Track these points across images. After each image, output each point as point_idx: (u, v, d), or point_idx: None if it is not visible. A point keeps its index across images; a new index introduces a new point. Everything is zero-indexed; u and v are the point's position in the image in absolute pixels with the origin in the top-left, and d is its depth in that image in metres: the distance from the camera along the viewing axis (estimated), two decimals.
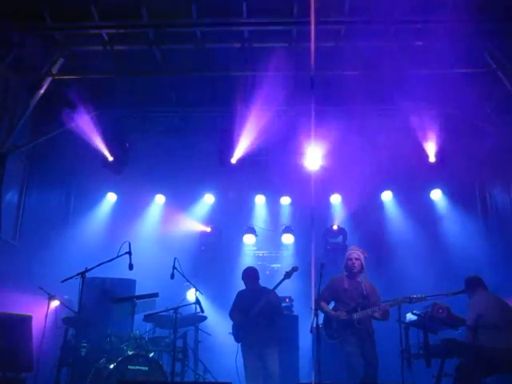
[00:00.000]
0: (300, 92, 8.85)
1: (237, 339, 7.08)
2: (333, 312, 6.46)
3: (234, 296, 7.36)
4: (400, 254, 10.02)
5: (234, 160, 9.43)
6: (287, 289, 7.76)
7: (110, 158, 9.37)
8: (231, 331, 7.15)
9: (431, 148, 8.86)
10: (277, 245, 10.83)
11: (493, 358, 5.94)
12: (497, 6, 7.07)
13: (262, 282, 7.61)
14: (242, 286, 7.47)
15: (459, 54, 7.57)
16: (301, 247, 10.58)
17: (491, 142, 9.10)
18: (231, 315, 7.21)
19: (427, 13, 7.24)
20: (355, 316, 6.30)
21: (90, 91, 9.11)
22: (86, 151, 9.33)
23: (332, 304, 6.66)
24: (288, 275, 6.96)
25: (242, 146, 9.27)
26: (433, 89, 8.16)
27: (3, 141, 8.30)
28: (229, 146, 9.46)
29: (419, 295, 6.17)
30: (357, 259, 6.58)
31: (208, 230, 10.65)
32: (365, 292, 6.44)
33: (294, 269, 6.92)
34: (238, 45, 7.94)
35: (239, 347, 7.05)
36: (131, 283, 8.60)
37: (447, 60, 7.72)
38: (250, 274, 7.34)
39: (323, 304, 6.49)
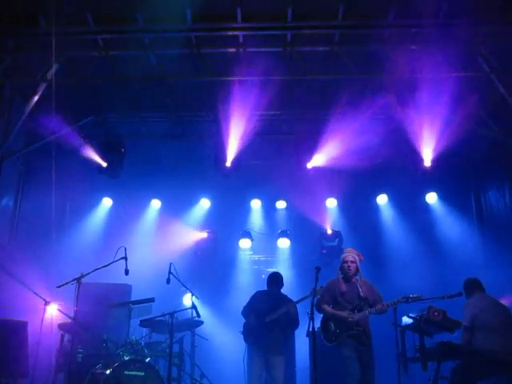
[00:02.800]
0: (295, 96, 8.90)
1: (246, 340, 7.09)
2: (338, 312, 6.41)
3: (230, 300, 7.37)
4: (395, 258, 10.05)
5: (228, 164, 9.43)
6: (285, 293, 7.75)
7: (104, 164, 9.36)
8: (242, 330, 7.15)
9: (426, 151, 8.89)
10: (273, 249, 10.84)
11: (489, 361, 5.96)
12: (490, 9, 7.10)
13: (258, 287, 7.63)
14: (237, 290, 7.48)
15: (453, 58, 7.61)
16: (297, 251, 10.60)
17: (486, 145, 9.15)
18: (245, 313, 7.22)
19: (421, 17, 7.26)
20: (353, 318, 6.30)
21: (85, 97, 9.11)
22: (81, 156, 9.33)
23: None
24: (314, 294, 6.86)
25: (238, 150, 9.28)
26: (427, 92, 8.20)
27: None
28: (224, 150, 9.47)
29: (416, 295, 6.18)
30: (352, 262, 6.56)
31: (204, 234, 10.65)
32: (361, 293, 6.43)
33: (322, 289, 6.79)
34: (232, 49, 7.96)
35: (246, 348, 7.07)
36: (127, 288, 8.59)
37: (441, 64, 7.75)
38: (275, 279, 7.39)
39: (325, 306, 6.48)
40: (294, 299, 7.21)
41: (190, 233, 10.54)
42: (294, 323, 7.17)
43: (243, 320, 7.28)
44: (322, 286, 6.58)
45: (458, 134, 8.42)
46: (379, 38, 7.70)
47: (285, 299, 7.24)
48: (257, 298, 7.35)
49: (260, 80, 8.17)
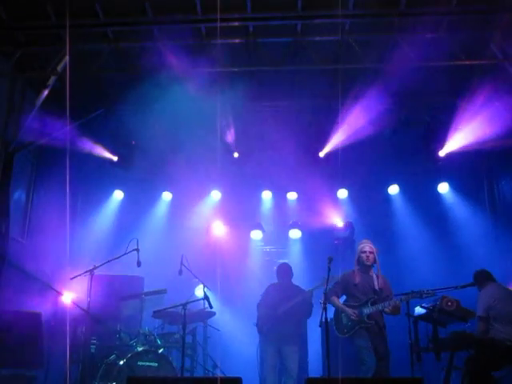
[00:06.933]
0: (306, 86, 8.84)
1: (260, 331, 7.16)
2: (344, 307, 6.42)
3: (242, 291, 7.41)
4: (408, 248, 9.98)
5: (239, 155, 9.43)
6: (297, 284, 7.75)
7: (115, 158, 9.42)
8: (256, 322, 7.21)
9: (437, 141, 8.84)
10: (284, 240, 10.82)
11: (503, 351, 5.92)
12: None
13: (270, 278, 7.64)
14: (249, 281, 7.51)
15: (466, 45, 7.53)
16: (308, 242, 10.57)
17: (498, 133, 9.03)
18: (259, 307, 7.28)
19: (433, 4, 7.18)
20: (365, 311, 6.27)
21: (95, 90, 9.12)
22: (91, 149, 9.36)
23: (343, 298, 6.65)
24: (325, 283, 6.89)
25: (248, 141, 9.26)
26: (439, 81, 8.12)
27: (10, 140, 8.32)
28: (235, 142, 9.48)
29: (430, 290, 6.13)
30: (371, 252, 6.52)
31: (216, 226, 10.64)
32: (377, 286, 6.40)
33: (334, 279, 6.79)
34: (242, 40, 7.92)
35: (259, 340, 7.12)
36: (139, 280, 8.63)
37: (453, 51, 7.68)
38: (284, 270, 7.43)
39: (334, 298, 6.46)
40: (306, 289, 7.23)
41: (201, 224, 10.53)
42: (308, 311, 7.21)
43: (256, 312, 7.33)
44: (331, 275, 6.62)
45: (469, 121, 8.35)
46: (391, 27, 7.63)
47: (297, 289, 7.28)
48: (269, 291, 7.40)
49: (270, 70, 8.13)
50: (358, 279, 6.48)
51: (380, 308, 6.26)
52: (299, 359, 7.31)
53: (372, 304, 6.30)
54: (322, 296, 5.97)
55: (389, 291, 6.50)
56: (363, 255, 6.52)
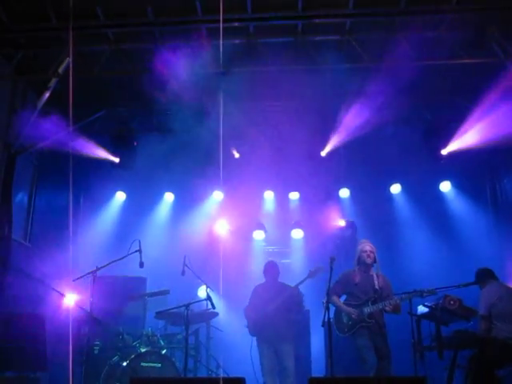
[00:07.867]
0: (306, 86, 8.83)
1: (252, 333, 7.13)
2: (345, 307, 6.44)
3: (245, 292, 7.40)
4: (410, 247, 9.99)
5: (239, 156, 9.44)
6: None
7: (117, 159, 9.44)
8: (246, 324, 7.19)
9: (439, 139, 8.83)
10: (286, 240, 10.82)
11: (506, 349, 5.91)
12: None
13: None
14: (251, 281, 7.50)
15: (466, 44, 7.52)
16: (310, 242, 10.57)
17: (500, 131, 9.03)
18: (246, 310, 7.25)
19: (433, 3, 7.17)
20: (366, 310, 6.28)
21: (97, 91, 9.13)
22: (93, 151, 9.37)
23: (343, 297, 6.66)
24: (311, 274, 6.97)
25: (250, 141, 9.25)
26: (441, 79, 8.11)
27: (12, 142, 8.34)
28: (236, 142, 9.48)
29: (430, 289, 6.15)
30: (371, 251, 6.56)
31: (218, 226, 10.65)
32: (377, 286, 6.42)
33: (320, 268, 6.88)
34: (243, 40, 7.92)
35: (254, 341, 7.11)
36: (142, 281, 8.65)
37: (454, 50, 7.66)
38: (269, 268, 7.42)
39: (335, 298, 6.47)
40: (306, 289, 7.23)
41: (203, 225, 10.54)
42: (297, 307, 7.18)
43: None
44: (321, 267, 6.69)
45: (472, 120, 8.35)
46: (391, 26, 7.62)
47: (282, 286, 7.26)
48: (256, 292, 7.38)
49: (271, 70, 8.13)
50: (358, 278, 6.50)
51: (380, 307, 6.29)
52: (302, 359, 7.32)
53: (372, 303, 6.32)
54: (312, 294, 6.01)
55: (389, 290, 6.52)
56: (364, 254, 6.55)
